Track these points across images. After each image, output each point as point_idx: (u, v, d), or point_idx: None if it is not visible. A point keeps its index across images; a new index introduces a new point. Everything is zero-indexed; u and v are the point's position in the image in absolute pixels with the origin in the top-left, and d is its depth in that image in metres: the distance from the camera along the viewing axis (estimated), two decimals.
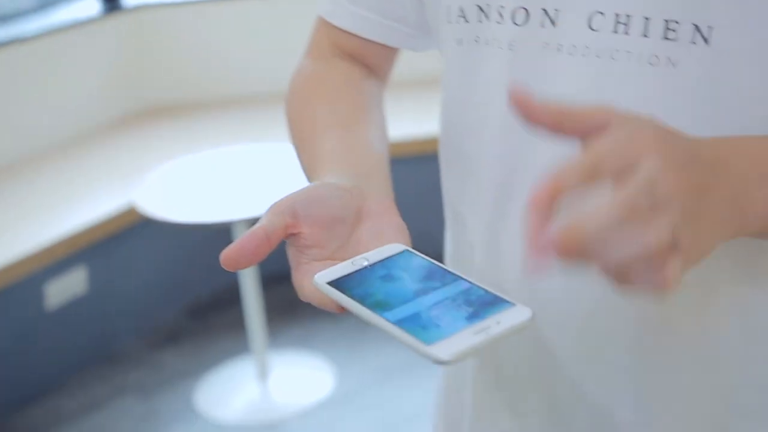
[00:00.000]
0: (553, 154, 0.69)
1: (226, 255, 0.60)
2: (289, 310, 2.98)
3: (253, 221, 2.77)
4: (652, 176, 0.50)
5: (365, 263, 0.63)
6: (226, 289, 3.10)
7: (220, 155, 2.62)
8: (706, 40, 0.65)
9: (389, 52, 0.90)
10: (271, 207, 0.64)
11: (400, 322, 0.58)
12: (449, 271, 0.62)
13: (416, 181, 2.18)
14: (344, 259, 0.64)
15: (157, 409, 2.57)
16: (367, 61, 0.90)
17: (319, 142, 0.78)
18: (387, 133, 0.84)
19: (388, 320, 0.58)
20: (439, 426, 0.96)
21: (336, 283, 0.61)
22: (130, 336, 2.90)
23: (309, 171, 0.77)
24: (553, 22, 0.71)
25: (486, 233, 0.79)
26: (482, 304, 0.58)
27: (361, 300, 0.60)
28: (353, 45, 0.89)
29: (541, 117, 0.55)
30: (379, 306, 0.59)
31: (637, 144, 0.51)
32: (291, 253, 0.65)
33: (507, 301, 0.58)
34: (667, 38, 0.67)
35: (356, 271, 0.62)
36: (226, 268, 0.60)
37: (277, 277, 3.13)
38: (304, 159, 0.80)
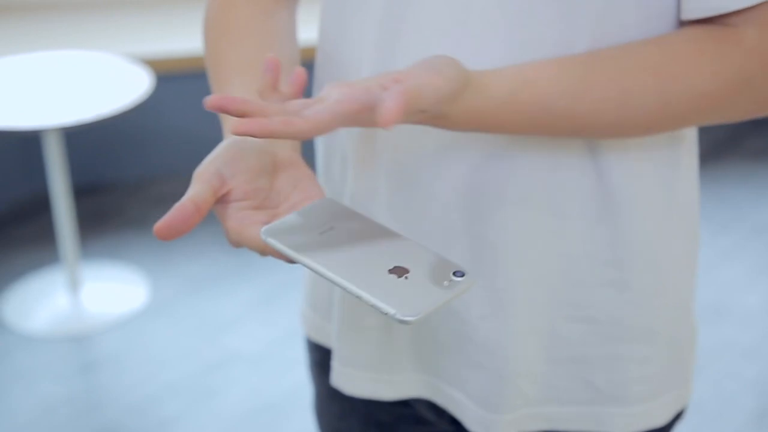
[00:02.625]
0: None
1: (159, 228, 0.63)
2: (100, 220, 2.95)
3: (61, 130, 2.68)
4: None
5: (303, 218, 0.66)
6: (33, 199, 3.03)
7: (34, 60, 2.53)
8: None
9: None
10: (197, 176, 0.67)
11: (359, 282, 0.61)
12: (385, 228, 0.65)
13: None
14: (270, 208, 0.68)
15: None
16: None
17: (228, 83, 0.80)
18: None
19: (345, 280, 0.61)
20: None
21: (283, 239, 0.64)
22: None
23: (222, 117, 0.80)
24: None
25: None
26: (430, 264, 0.62)
27: (314, 257, 0.63)
28: None
29: None
30: (333, 266, 0.62)
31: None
32: (218, 209, 0.68)
33: (451, 261, 0.62)
34: None
35: (300, 226, 0.65)
36: (159, 239, 0.64)
37: (87, 187, 3.08)
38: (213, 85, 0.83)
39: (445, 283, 0.60)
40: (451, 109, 0.67)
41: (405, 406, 0.95)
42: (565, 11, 0.72)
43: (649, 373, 0.86)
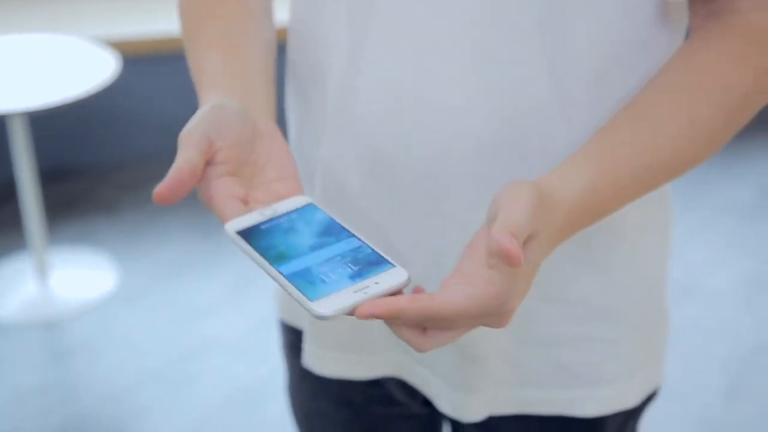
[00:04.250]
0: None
1: (158, 193, 0.65)
2: (68, 206, 2.94)
3: (26, 114, 2.65)
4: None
5: (272, 214, 0.68)
6: (0, 183, 3.02)
7: (3, 43, 2.52)
8: None
9: None
10: (185, 139, 0.67)
11: (291, 276, 0.63)
12: (345, 228, 0.67)
13: None
14: (244, 177, 0.70)
15: None
16: None
17: (205, 59, 0.81)
18: (272, 47, 0.85)
19: (281, 273, 0.63)
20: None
21: (244, 233, 0.67)
22: None
23: (197, 85, 0.80)
24: None
25: (343, 67, 0.80)
26: (366, 263, 0.63)
27: (263, 252, 0.65)
28: None
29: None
30: (277, 259, 0.65)
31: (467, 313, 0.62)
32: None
33: (388, 263, 0.63)
34: None
35: (263, 222, 0.68)
36: (160, 203, 0.65)
37: (54, 173, 3.06)
38: (193, 73, 0.83)
39: (374, 282, 0.62)
40: (557, 236, 0.67)
41: (377, 386, 0.96)
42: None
43: (619, 354, 0.86)
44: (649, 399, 0.92)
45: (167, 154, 3.21)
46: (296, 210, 0.69)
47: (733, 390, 2.19)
